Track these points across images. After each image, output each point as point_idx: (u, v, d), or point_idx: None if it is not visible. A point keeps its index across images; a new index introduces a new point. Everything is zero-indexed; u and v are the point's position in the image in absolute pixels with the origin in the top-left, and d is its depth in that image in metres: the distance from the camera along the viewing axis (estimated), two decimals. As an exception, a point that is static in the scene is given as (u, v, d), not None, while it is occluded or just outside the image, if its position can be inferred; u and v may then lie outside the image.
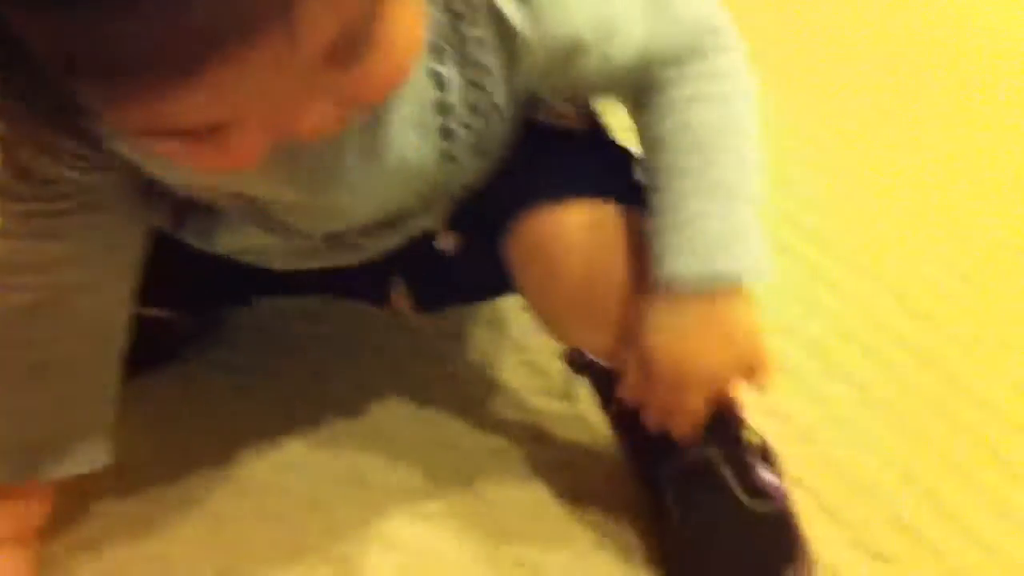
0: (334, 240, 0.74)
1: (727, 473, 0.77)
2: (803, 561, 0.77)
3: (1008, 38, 1.67)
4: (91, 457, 0.74)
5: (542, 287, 0.74)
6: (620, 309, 0.71)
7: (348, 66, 0.49)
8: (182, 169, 0.63)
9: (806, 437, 0.94)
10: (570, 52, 0.65)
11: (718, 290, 0.68)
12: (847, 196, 1.30)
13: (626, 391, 0.73)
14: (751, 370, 0.71)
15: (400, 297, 0.82)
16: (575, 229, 0.71)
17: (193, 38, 0.42)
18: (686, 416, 0.72)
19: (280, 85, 0.47)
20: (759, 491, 0.77)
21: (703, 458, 0.78)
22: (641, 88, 0.69)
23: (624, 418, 0.80)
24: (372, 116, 0.62)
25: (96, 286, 0.71)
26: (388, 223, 0.73)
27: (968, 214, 1.27)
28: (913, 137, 1.41)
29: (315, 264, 0.77)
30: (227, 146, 0.50)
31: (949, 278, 1.16)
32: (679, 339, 0.68)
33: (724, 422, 0.78)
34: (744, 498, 0.76)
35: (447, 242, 0.77)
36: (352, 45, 0.48)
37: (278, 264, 0.77)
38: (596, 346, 0.76)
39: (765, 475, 0.78)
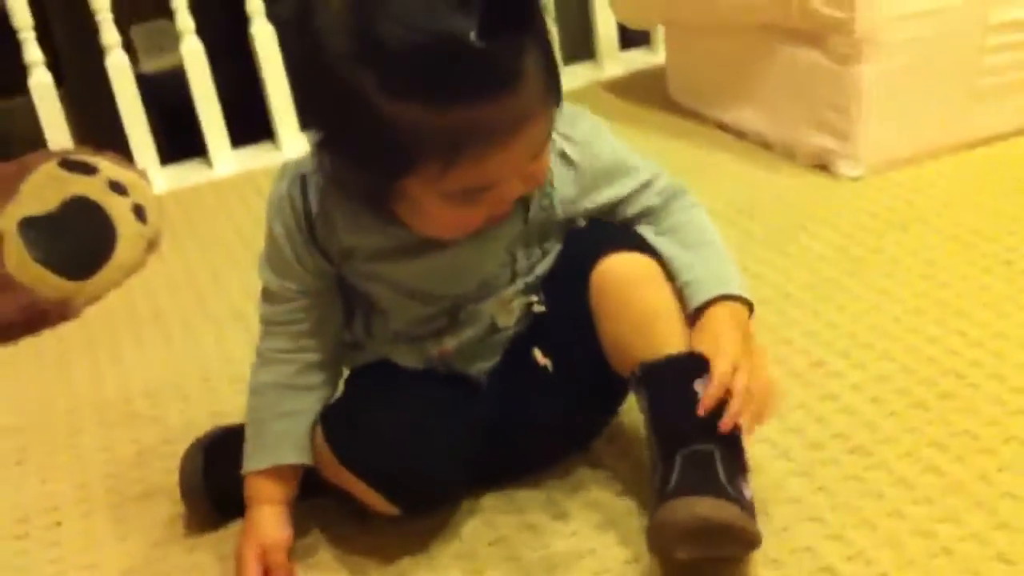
0: (455, 309, 1.07)
1: (720, 467, 0.96)
2: (745, 547, 0.97)
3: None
4: (307, 455, 1.09)
5: (618, 315, 1.05)
6: (670, 324, 1.04)
7: (538, 155, 0.94)
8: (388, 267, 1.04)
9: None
10: (601, 177, 1.06)
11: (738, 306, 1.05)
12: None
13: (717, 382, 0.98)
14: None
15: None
16: (636, 268, 1.06)
17: (519, 113, 0.88)
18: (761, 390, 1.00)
19: (535, 147, 0.92)
20: (735, 488, 0.96)
21: (708, 450, 0.97)
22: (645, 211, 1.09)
23: (662, 417, 1.02)
24: None
25: (318, 349, 1.10)
26: (484, 286, 1.07)
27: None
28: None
29: (452, 340, 1.09)
30: (495, 199, 0.94)
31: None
32: (734, 329, 1.02)
33: (731, 437, 0.98)
34: (725, 485, 0.95)
35: (545, 361, 1.13)
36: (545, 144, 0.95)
37: (432, 347, 1.09)
38: (663, 351, 1.02)
39: (743, 484, 0.98)
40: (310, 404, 1.09)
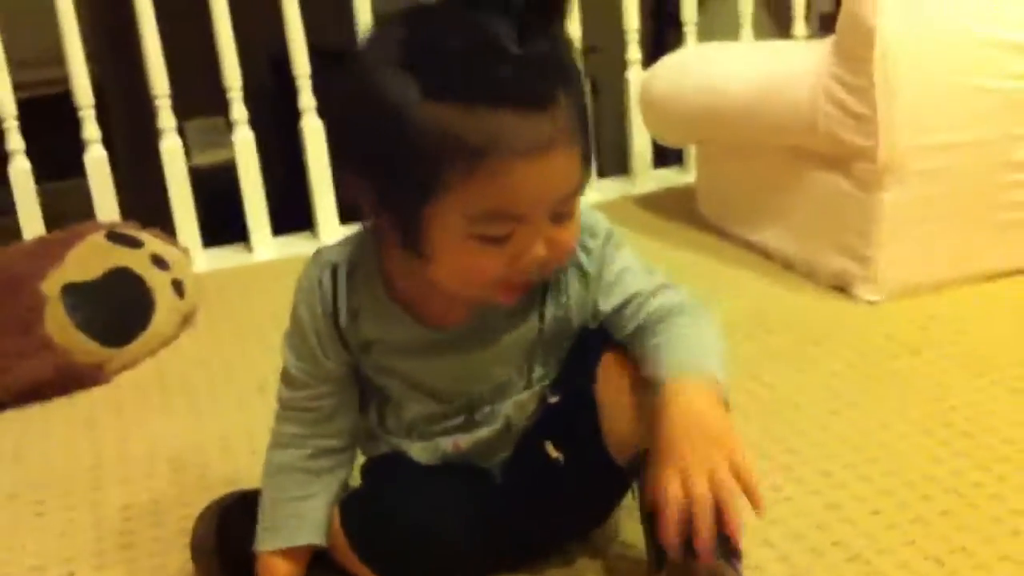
0: (471, 409, 1.11)
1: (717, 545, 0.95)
2: None
3: None
4: (320, 536, 1.11)
5: (617, 403, 1.07)
6: None
7: (563, 221, 0.96)
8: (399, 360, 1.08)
9: None
10: (612, 284, 1.08)
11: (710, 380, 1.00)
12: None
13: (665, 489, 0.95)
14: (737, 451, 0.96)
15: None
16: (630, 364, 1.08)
17: (547, 136, 0.90)
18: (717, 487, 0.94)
19: (560, 190, 0.94)
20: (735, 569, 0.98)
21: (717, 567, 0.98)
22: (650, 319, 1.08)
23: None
24: (489, 317, 1.06)
25: (335, 435, 1.13)
26: (500, 390, 1.10)
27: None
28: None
29: (466, 439, 1.12)
30: (518, 247, 0.94)
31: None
32: (695, 407, 0.98)
33: (732, 547, 0.99)
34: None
35: (557, 454, 1.14)
36: (571, 203, 0.97)
37: (445, 444, 1.13)
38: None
39: (739, 566, 1.00)
40: (324, 486, 1.12)
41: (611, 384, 1.09)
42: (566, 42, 0.96)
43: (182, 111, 2.40)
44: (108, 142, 2.39)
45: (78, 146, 2.33)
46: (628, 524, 1.24)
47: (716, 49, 2.35)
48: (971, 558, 1.15)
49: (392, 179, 0.94)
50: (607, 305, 1.08)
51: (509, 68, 0.89)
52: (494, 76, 0.89)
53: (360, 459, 1.19)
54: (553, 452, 1.17)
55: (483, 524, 1.11)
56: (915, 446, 1.38)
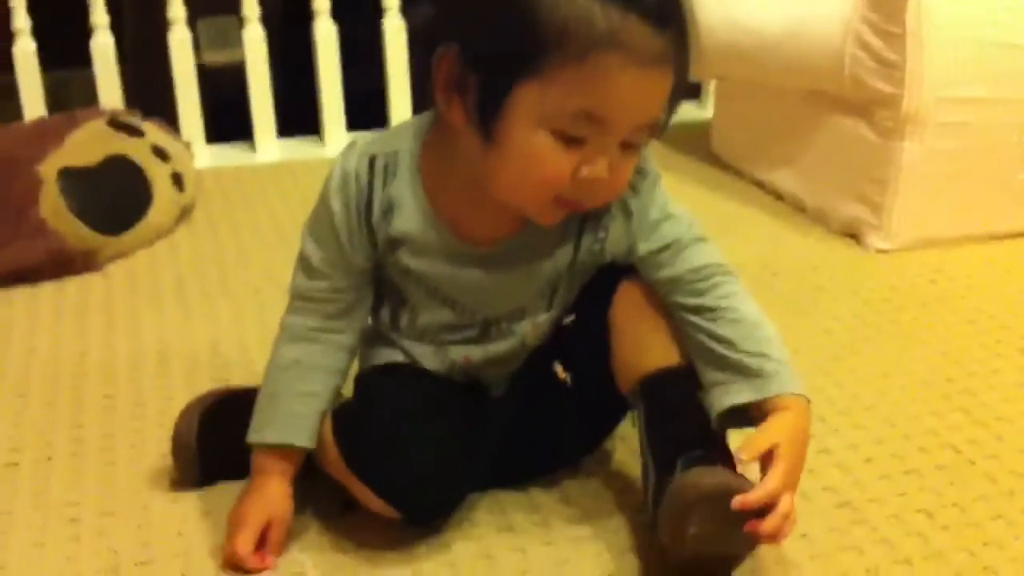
0: (487, 324, 1.09)
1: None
2: (749, 544, 1.00)
3: None
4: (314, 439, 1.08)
5: (627, 330, 1.07)
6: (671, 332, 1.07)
7: (630, 152, 0.95)
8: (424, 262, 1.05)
9: None
10: (649, 228, 1.05)
11: (804, 409, 1.02)
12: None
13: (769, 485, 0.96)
14: None
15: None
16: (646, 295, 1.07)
17: (655, 57, 0.89)
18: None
19: (643, 115, 0.93)
20: None
21: (711, 457, 1.00)
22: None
23: (661, 426, 1.05)
24: (526, 239, 1.04)
25: (346, 331, 1.10)
26: (520, 311, 1.09)
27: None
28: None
29: (478, 351, 1.10)
30: (584, 157, 0.92)
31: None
32: (795, 433, 1.00)
33: (726, 452, 1.02)
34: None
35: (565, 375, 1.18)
36: (646, 134, 0.95)
37: (456, 353, 1.11)
38: (665, 359, 1.05)
39: None
40: (327, 387, 1.09)
41: (626, 312, 1.08)
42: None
43: (195, 7, 2.35)
44: (119, 32, 2.33)
45: (86, 35, 2.27)
46: (618, 452, 1.22)
47: (745, -17, 2.29)
48: (963, 514, 1.13)
49: (497, 44, 0.92)
50: (645, 248, 1.05)
51: None
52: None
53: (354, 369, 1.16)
54: (561, 373, 1.17)
55: (476, 444, 1.10)
56: (914, 398, 1.36)
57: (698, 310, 1.04)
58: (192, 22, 2.34)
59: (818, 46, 1.86)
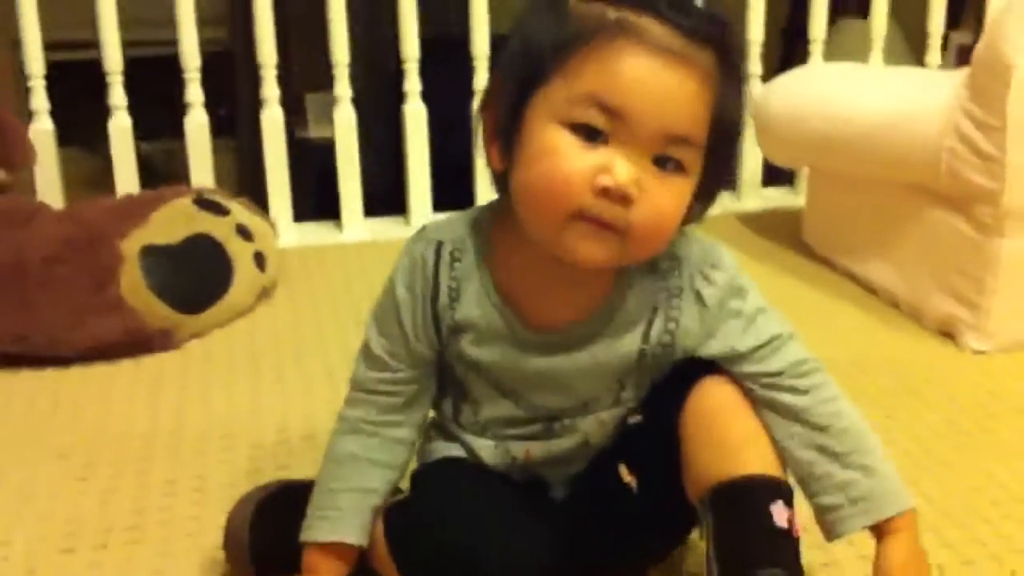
0: (551, 419, 1.05)
1: None
2: None
3: None
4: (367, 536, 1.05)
5: (701, 438, 1.00)
6: (756, 451, 0.99)
7: (666, 169, 0.89)
8: (486, 351, 1.01)
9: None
10: (726, 327, 1.01)
11: (914, 521, 1.01)
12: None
13: None
14: None
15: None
16: (731, 393, 1.01)
17: (675, 51, 0.88)
18: None
19: (670, 114, 0.88)
20: None
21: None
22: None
23: (728, 539, 0.98)
24: (597, 327, 1.00)
25: (405, 425, 1.07)
26: (584, 405, 1.04)
27: None
28: None
29: (540, 448, 1.06)
30: (605, 156, 0.88)
31: None
32: (913, 556, 0.99)
33: (797, 565, 0.97)
34: None
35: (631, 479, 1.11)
36: (677, 149, 0.89)
37: (517, 449, 1.07)
38: (738, 468, 0.98)
39: None
40: (384, 483, 1.06)
41: (698, 415, 1.01)
42: (733, 35, 0.95)
43: (304, 83, 2.38)
44: (233, 109, 2.37)
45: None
46: (690, 560, 1.16)
47: (840, 70, 2.24)
48: (1056, 649, 1.05)
49: (517, 59, 0.93)
50: (743, 344, 1.01)
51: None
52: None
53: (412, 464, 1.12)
54: (626, 475, 1.12)
55: (534, 549, 1.03)
56: (1007, 515, 1.27)
57: (801, 413, 1.00)
58: (300, 97, 2.37)
59: (914, 138, 1.79)
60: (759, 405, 1.01)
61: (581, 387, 1.03)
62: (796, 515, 0.97)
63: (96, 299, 1.69)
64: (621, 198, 0.88)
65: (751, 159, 2.57)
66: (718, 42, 0.90)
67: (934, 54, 2.63)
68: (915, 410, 1.54)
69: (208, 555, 1.20)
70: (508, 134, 0.93)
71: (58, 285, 1.70)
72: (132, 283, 1.72)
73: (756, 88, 2.50)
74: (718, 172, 0.95)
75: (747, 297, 1.02)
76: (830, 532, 1.01)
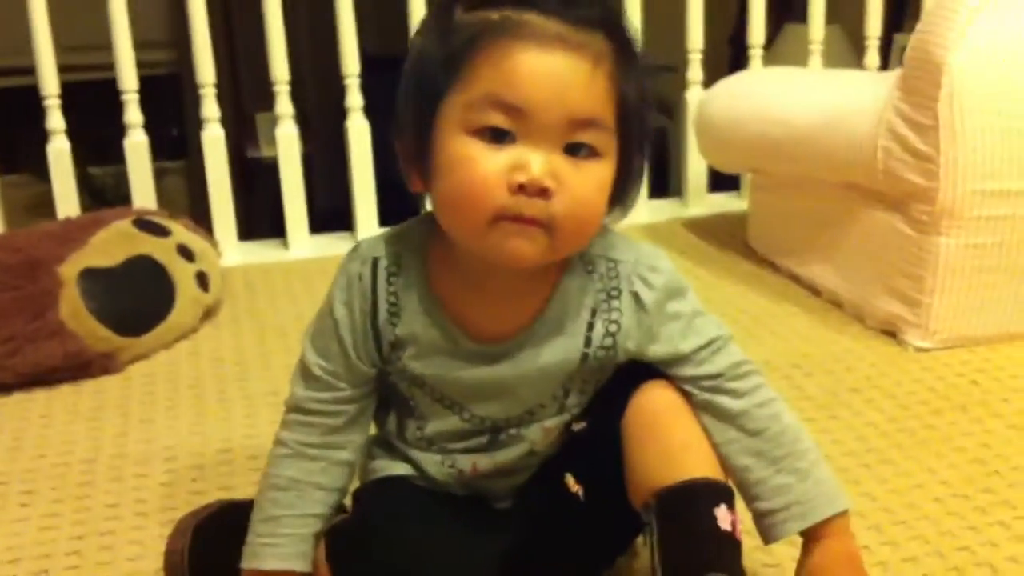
0: (496, 430, 1.04)
1: None
2: None
3: None
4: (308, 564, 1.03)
5: (644, 444, 1.00)
6: (698, 457, 1.00)
7: (578, 156, 0.91)
8: (429, 363, 1.01)
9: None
10: (666, 330, 1.01)
11: (846, 525, 1.01)
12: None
13: None
14: None
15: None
16: (672, 398, 1.02)
17: (577, 43, 0.90)
18: None
19: (567, 103, 0.89)
20: None
21: None
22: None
23: (673, 546, 0.97)
24: (536, 332, 1.00)
25: (347, 447, 1.05)
26: (529, 414, 1.04)
27: None
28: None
29: (486, 460, 1.05)
30: (515, 154, 0.88)
31: None
32: (841, 557, 1.00)
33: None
34: None
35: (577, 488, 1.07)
36: (583, 133, 0.90)
37: (463, 463, 1.06)
38: (681, 472, 0.98)
39: None
40: (327, 507, 1.05)
41: (639, 420, 1.01)
42: (621, 17, 0.96)
43: (255, 103, 2.37)
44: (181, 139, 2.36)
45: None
46: (635, 567, 1.16)
47: (778, 75, 2.26)
48: (998, 642, 1.05)
49: (418, 86, 0.94)
50: (661, 349, 1.02)
51: None
52: None
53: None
54: (573, 486, 1.10)
55: (478, 567, 1.03)
56: (949, 512, 1.28)
57: (739, 417, 1.01)
58: (251, 117, 2.36)
59: (851, 138, 1.81)
60: (698, 409, 1.02)
61: (525, 395, 1.03)
62: (738, 518, 0.97)
63: (36, 325, 1.67)
64: (539, 191, 0.89)
65: (696, 164, 2.58)
66: (605, 24, 0.92)
67: (872, 55, 2.65)
68: (857, 409, 1.56)
69: (150, 579, 1.18)
70: (422, 156, 0.94)
71: (-3, 312, 1.68)
72: (72, 307, 1.70)
73: (697, 95, 2.52)
74: (633, 152, 0.96)
75: (685, 299, 1.03)
76: (767, 536, 1.02)
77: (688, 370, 1.02)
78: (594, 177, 0.92)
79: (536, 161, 0.89)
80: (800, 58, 2.64)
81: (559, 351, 1.01)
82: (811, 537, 1.00)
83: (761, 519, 1.02)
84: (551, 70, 0.89)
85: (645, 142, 0.97)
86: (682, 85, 2.61)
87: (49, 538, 1.28)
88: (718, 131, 2.18)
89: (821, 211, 1.98)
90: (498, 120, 0.89)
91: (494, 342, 1.00)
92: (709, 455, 1.00)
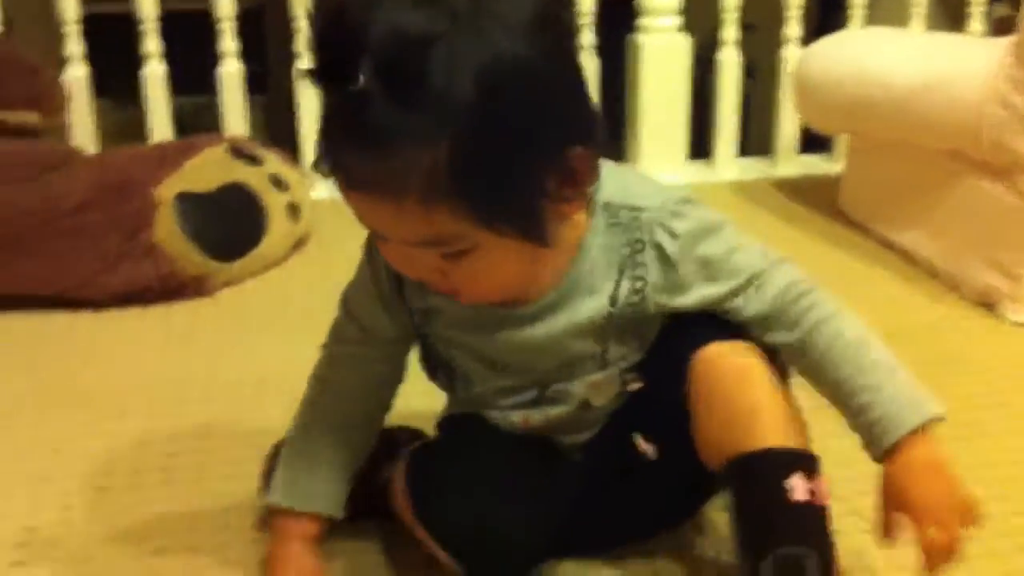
0: (540, 386, 1.01)
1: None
2: None
3: None
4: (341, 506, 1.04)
5: (714, 408, 0.95)
6: (771, 420, 0.93)
7: (455, 262, 0.85)
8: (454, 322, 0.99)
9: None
10: (697, 275, 0.95)
11: (931, 431, 0.95)
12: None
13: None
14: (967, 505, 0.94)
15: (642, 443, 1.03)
16: (737, 360, 0.96)
17: (378, 178, 0.79)
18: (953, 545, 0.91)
19: (392, 234, 0.84)
20: None
21: (799, 554, 0.90)
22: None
23: (749, 516, 0.94)
24: (563, 295, 0.95)
25: (382, 384, 1.07)
26: (569, 370, 1.00)
27: None
28: None
29: (537, 415, 1.02)
30: (392, 255, 0.88)
31: None
32: (921, 474, 0.93)
33: (825, 540, 0.93)
34: None
35: (647, 447, 1.02)
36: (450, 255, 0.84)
37: (515, 417, 1.03)
38: (766, 442, 0.92)
39: None
40: (362, 448, 1.06)
41: (702, 390, 0.96)
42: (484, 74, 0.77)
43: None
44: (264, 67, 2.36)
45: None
46: (718, 523, 1.15)
47: (880, 35, 2.20)
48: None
49: None
50: (718, 289, 0.96)
51: (349, 98, 0.78)
52: (337, 100, 0.80)
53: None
54: (643, 445, 1.05)
55: (556, 503, 1.02)
56: (1047, 485, 1.26)
57: (799, 349, 0.96)
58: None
59: (953, 103, 1.77)
60: (763, 349, 0.97)
61: (559, 352, 0.99)
62: (821, 482, 0.93)
63: (130, 244, 1.69)
64: (435, 285, 0.90)
65: (787, 124, 2.54)
66: (442, 116, 0.77)
67: (975, 22, 2.59)
68: (954, 381, 1.52)
69: (241, 499, 1.19)
70: None
71: (91, 230, 1.71)
72: (167, 229, 1.71)
73: (794, 53, 2.48)
74: (526, 209, 0.85)
75: (718, 237, 0.97)
76: (873, 456, 0.96)
77: (733, 315, 0.98)
78: (476, 267, 0.86)
79: (420, 269, 0.88)
80: (893, 21, 2.57)
81: (585, 310, 0.97)
82: (894, 449, 0.94)
83: (861, 440, 0.96)
84: (368, 216, 0.85)
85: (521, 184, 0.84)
86: (762, 44, 2.56)
87: (142, 454, 1.30)
88: (817, 91, 2.14)
89: (919, 177, 1.94)
90: (369, 228, 0.88)
91: (519, 306, 0.97)
92: (779, 418, 0.94)
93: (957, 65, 1.82)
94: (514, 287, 0.92)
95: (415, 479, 1.02)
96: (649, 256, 0.95)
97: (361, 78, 0.76)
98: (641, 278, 0.96)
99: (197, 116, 2.83)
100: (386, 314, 1.00)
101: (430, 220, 0.80)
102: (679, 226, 0.95)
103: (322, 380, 1.07)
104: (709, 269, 0.96)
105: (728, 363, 0.96)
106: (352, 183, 0.82)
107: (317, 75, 0.79)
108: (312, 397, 1.07)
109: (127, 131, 2.58)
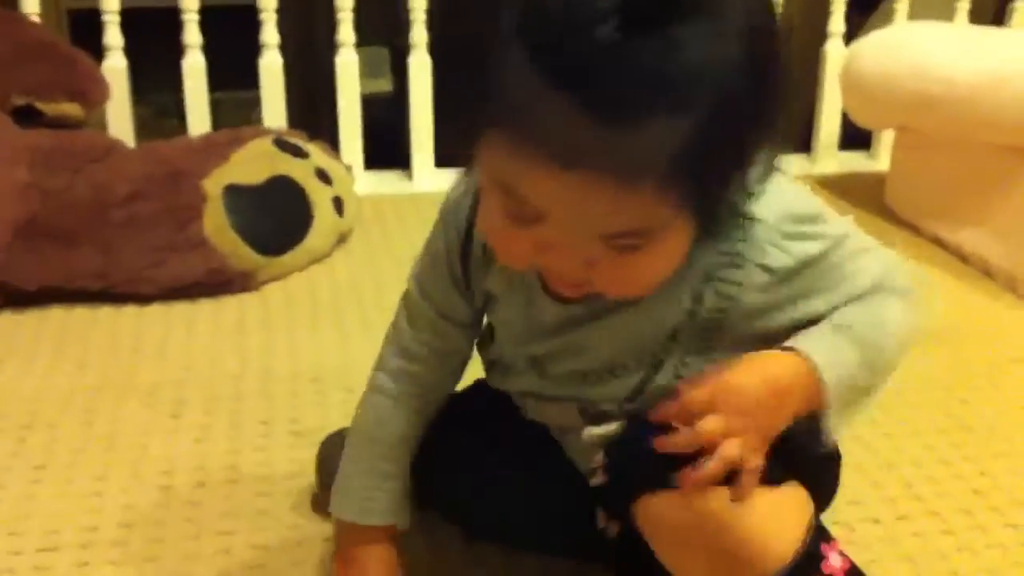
0: (580, 377, 0.90)
1: None
2: None
3: None
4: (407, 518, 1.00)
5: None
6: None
7: (625, 255, 0.72)
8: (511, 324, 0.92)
9: None
10: (803, 291, 0.83)
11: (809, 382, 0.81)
12: None
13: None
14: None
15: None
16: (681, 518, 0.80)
17: (601, 156, 0.65)
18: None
19: (591, 221, 0.69)
20: None
21: None
22: None
23: None
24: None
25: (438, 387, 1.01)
26: (616, 368, 0.88)
27: None
28: None
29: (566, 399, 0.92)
30: (543, 243, 0.72)
31: None
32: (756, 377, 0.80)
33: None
34: None
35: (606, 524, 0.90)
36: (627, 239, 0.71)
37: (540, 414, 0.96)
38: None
39: None
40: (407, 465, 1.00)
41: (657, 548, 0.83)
42: (706, 53, 0.66)
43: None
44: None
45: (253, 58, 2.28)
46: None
47: (932, 30, 2.17)
48: None
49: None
50: (796, 313, 0.84)
51: (593, 55, 0.64)
52: (573, 57, 0.65)
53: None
54: (603, 521, 0.92)
55: (562, 522, 0.97)
56: None
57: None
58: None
59: (1018, 100, 1.74)
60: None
61: (607, 354, 0.88)
62: (834, 542, 0.82)
63: (179, 237, 1.67)
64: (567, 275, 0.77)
65: (828, 121, 2.51)
66: (667, 97, 0.66)
67: (1020, 16, 2.55)
68: (1020, 380, 1.50)
69: (309, 494, 1.17)
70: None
71: (140, 222, 1.68)
72: (216, 222, 1.69)
73: (837, 48, 2.45)
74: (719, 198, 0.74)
75: (843, 247, 0.84)
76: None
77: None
78: (642, 264, 0.74)
79: (566, 257, 0.73)
80: (925, 14, 2.53)
81: (650, 316, 0.84)
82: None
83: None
84: (573, 197, 0.69)
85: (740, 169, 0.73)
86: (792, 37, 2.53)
87: (203, 451, 1.27)
88: (868, 86, 2.10)
89: (975, 173, 1.91)
90: (525, 212, 0.72)
91: (576, 302, 0.85)
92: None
93: (1020, 60, 1.79)
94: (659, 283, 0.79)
95: (419, 465, 1.00)
96: (750, 274, 0.81)
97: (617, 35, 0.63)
98: (730, 297, 0.82)
99: (234, 110, 2.80)
100: (460, 286, 0.93)
101: (654, 207, 0.69)
102: (796, 248, 0.81)
103: (400, 374, 1.00)
104: (813, 284, 0.84)
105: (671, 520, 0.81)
106: (575, 161, 0.67)
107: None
108: (382, 412, 1.00)
109: (146, 127, 2.56)
